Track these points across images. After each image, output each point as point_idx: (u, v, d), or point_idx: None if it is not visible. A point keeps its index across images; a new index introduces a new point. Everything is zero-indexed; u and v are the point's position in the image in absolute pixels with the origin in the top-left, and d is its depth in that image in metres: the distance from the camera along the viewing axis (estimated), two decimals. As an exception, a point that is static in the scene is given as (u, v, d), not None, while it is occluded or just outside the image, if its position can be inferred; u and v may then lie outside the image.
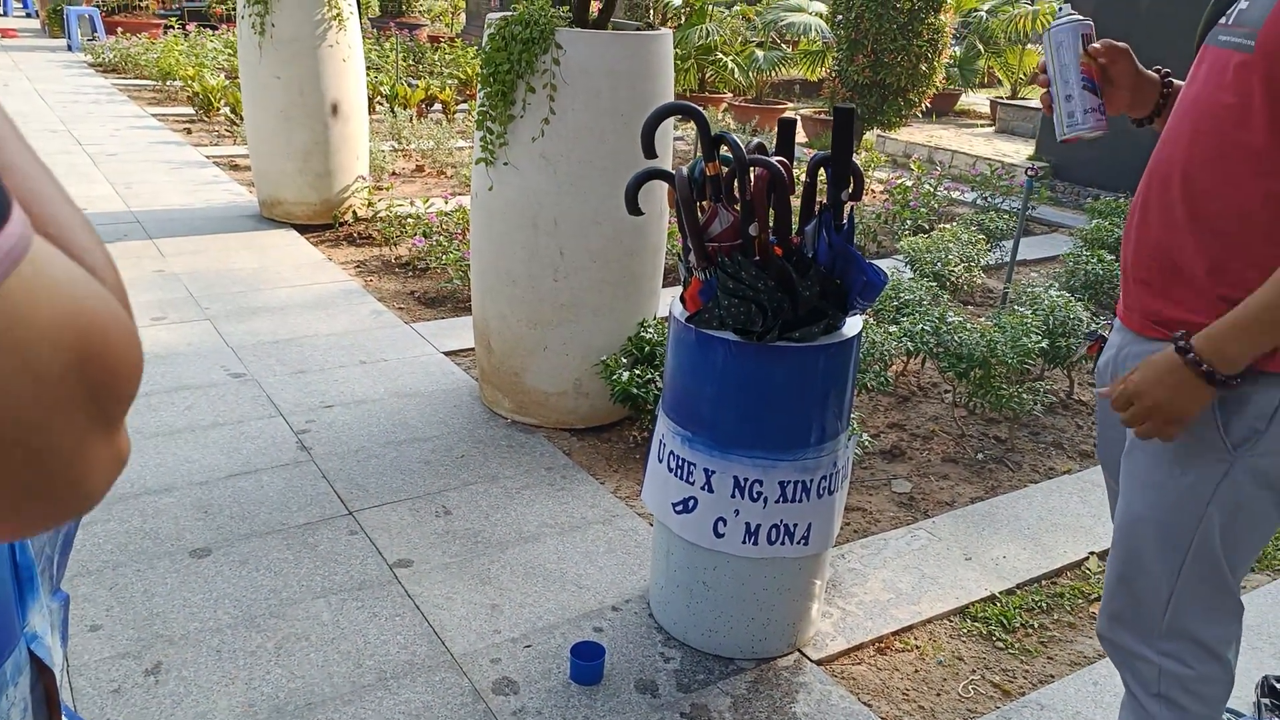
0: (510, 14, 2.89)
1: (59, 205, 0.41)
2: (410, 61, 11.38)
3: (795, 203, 2.11)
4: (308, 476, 2.80)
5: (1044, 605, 2.44)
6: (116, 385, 0.38)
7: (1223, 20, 1.33)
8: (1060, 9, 1.49)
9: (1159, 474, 1.38)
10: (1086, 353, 1.68)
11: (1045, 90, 1.49)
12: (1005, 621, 2.36)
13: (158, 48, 10.81)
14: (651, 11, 11.33)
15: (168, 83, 9.94)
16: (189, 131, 8.10)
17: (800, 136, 9.49)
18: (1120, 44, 1.49)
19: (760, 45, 10.80)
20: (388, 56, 10.98)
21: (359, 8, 6.66)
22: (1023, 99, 11.11)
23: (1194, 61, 1.38)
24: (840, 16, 8.80)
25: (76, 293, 0.36)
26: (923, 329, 3.29)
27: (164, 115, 8.73)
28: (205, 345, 3.70)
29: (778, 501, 2.04)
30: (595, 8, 3.15)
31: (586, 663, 2.04)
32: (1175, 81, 1.53)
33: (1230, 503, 1.34)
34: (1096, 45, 1.47)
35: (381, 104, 8.27)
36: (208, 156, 7.08)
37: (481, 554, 2.47)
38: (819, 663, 2.17)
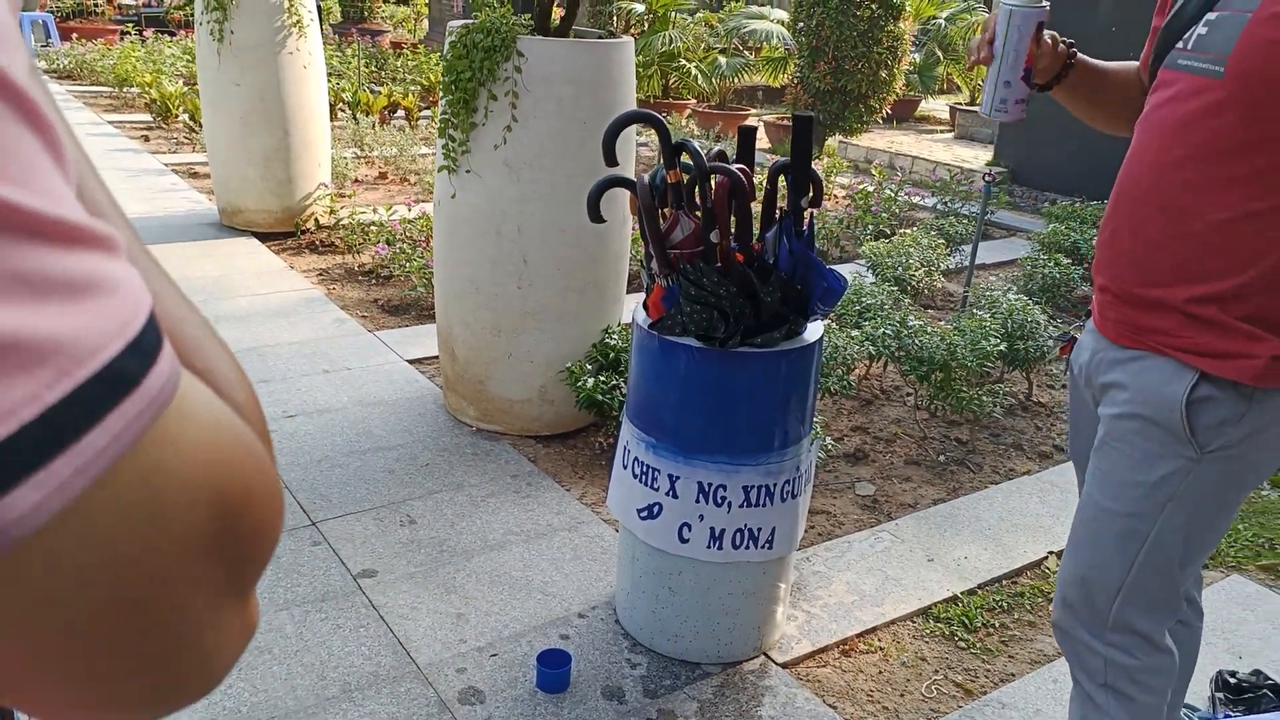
0: (472, 22, 2.89)
1: (203, 331, 0.36)
2: (373, 68, 11.30)
3: (756, 209, 2.13)
4: (269, 488, 2.76)
5: (1005, 605, 2.48)
6: (255, 546, 0.34)
7: (1180, 45, 1.36)
8: None
9: (1128, 470, 1.43)
10: (1059, 354, 1.72)
11: (984, 52, 1.51)
12: (967, 621, 2.39)
13: (114, 54, 10.64)
14: (615, 18, 11.37)
15: (125, 89, 9.78)
16: (147, 139, 7.98)
17: (763, 142, 9.56)
18: (1056, 36, 1.53)
19: (723, 52, 10.87)
20: (350, 63, 10.90)
21: (320, 14, 6.61)
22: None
23: (1152, 86, 1.43)
24: (801, 24, 8.90)
25: (222, 439, 0.32)
26: (884, 333, 3.34)
27: (121, 122, 8.58)
28: (164, 356, 3.63)
29: (742, 506, 2.05)
30: (558, 14, 3.16)
31: (553, 670, 2.04)
32: (1081, 57, 1.57)
33: (1191, 501, 1.39)
34: (1048, 39, 1.50)
35: (344, 110, 8.20)
36: (166, 164, 6.98)
37: (446, 563, 2.46)
38: (784, 666, 2.19)
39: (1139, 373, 1.42)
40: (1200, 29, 1.33)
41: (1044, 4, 1.49)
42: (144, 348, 0.28)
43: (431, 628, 2.21)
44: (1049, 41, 1.51)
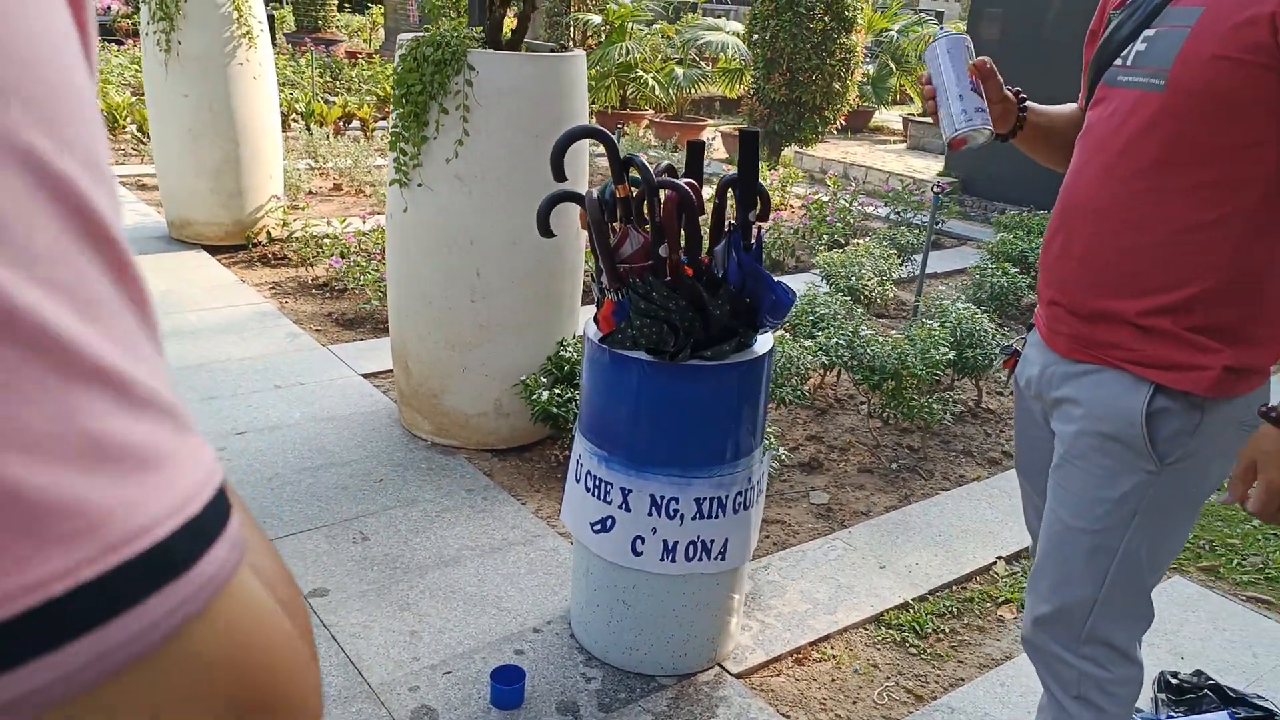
0: (422, 35, 2.88)
1: (250, 523, 0.34)
2: (327, 78, 11.19)
3: (706, 222, 2.15)
4: (218, 506, 2.72)
5: (954, 610, 2.52)
6: None
7: (1119, 62, 1.39)
8: (939, 30, 1.57)
9: (1092, 488, 1.44)
10: (1002, 366, 1.74)
11: (931, 99, 1.54)
12: (918, 627, 2.42)
13: (59, 63, 10.39)
14: (572, 29, 11.39)
15: (70, 99, 9.56)
16: (93, 150, 7.81)
17: (720, 153, 9.64)
18: (990, 61, 1.56)
19: (680, 63, 10.94)
20: (304, 73, 10.78)
21: (273, 23, 6.52)
22: (934, 116, 11.48)
23: (1091, 101, 1.45)
24: (756, 36, 8.99)
25: (271, 640, 0.30)
26: (837, 343, 3.38)
27: (66, 133, 8.38)
28: (109, 373, 3.56)
29: (694, 518, 2.06)
30: (510, 26, 3.16)
31: (506, 687, 2.03)
32: (1030, 104, 1.61)
33: (1154, 512, 1.41)
34: (981, 59, 1.54)
35: (297, 121, 8.12)
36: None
37: (400, 580, 2.44)
38: (739, 676, 2.20)
39: (1094, 387, 1.43)
40: (1139, 45, 1.35)
41: (960, 34, 1.56)
42: (203, 529, 0.26)
43: (384, 646, 2.19)
44: (985, 61, 1.54)
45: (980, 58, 1.54)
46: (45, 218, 0.24)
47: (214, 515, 0.27)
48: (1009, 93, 1.58)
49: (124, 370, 0.25)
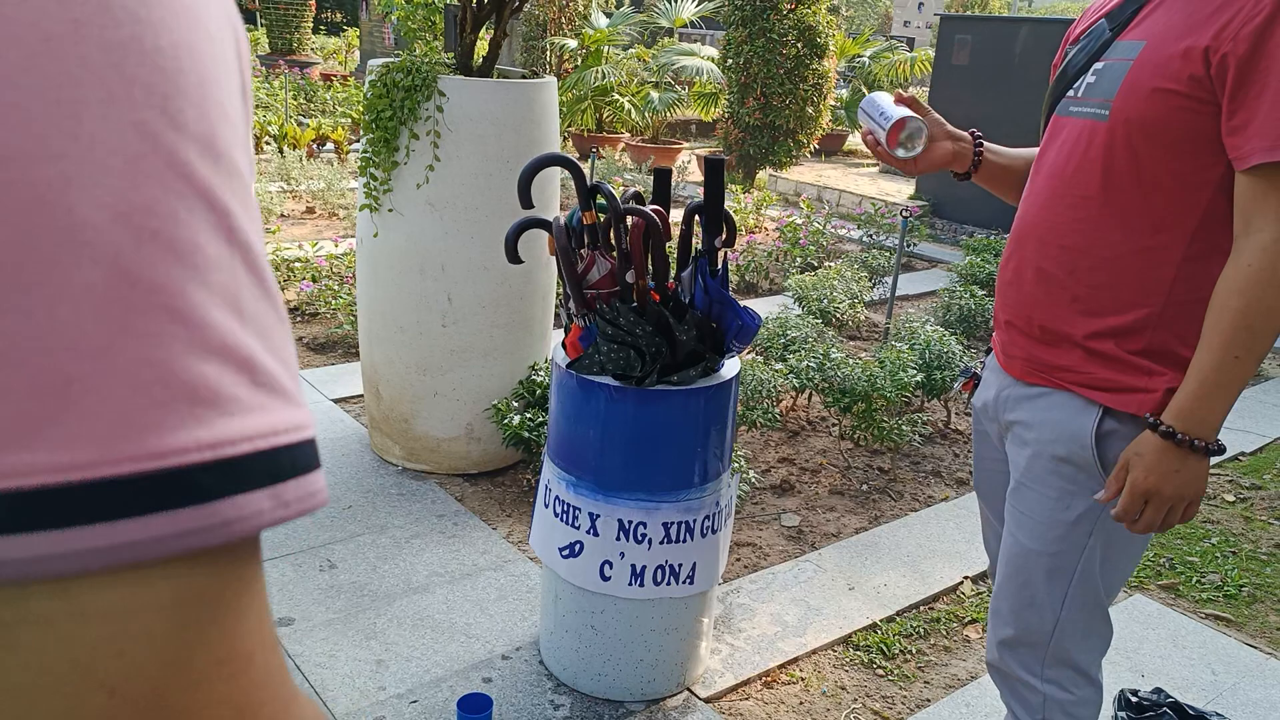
0: (392, 60, 2.90)
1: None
2: (301, 100, 11.19)
3: (673, 247, 2.18)
4: (185, 534, 2.69)
5: (921, 630, 2.54)
6: None
7: (1071, 93, 1.44)
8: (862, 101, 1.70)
9: (1047, 510, 1.46)
10: (961, 389, 1.78)
11: (875, 145, 1.61)
12: (885, 648, 2.44)
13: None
14: (548, 53, 11.47)
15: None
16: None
17: (695, 175, 9.72)
18: (970, 132, 1.64)
19: (656, 86, 11.05)
20: (277, 95, 10.78)
21: (245, 48, 6.48)
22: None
23: (1045, 131, 1.50)
24: (730, 61, 9.10)
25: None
26: (808, 365, 3.41)
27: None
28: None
29: (662, 542, 2.07)
30: (484, 50, 3.19)
31: (473, 715, 2.01)
32: (986, 143, 1.67)
33: (1108, 532, 1.44)
34: (898, 91, 1.63)
35: (270, 144, 8.10)
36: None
37: (367, 608, 2.42)
38: (708, 700, 2.20)
39: (1045, 409, 1.46)
40: (1089, 78, 1.40)
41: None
42: (257, 471, 0.28)
43: (350, 675, 2.17)
44: (904, 92, 1.61)
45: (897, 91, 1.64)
46: (209, 230, 0.27)
47: (275, 466, 0.28)
48: (960, 132, 1.64)
49: (256, 352, 0.28)
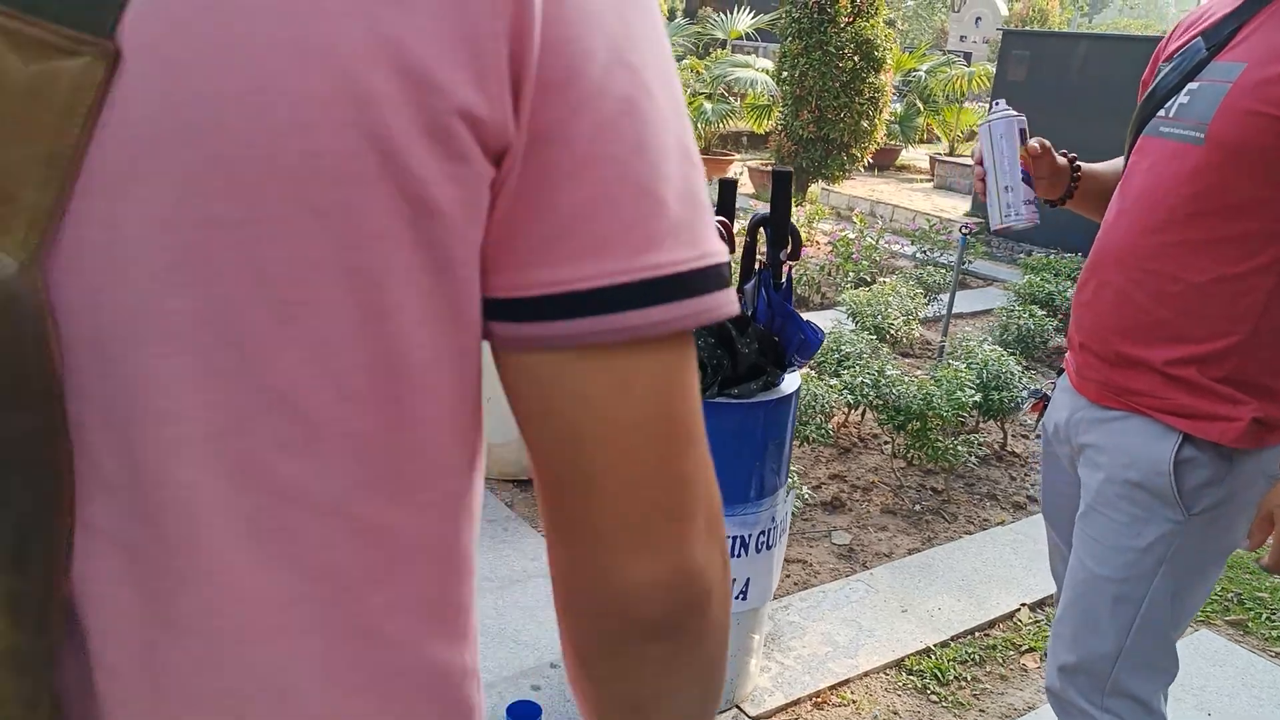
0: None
1: None
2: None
3: (735, 260, 2.16)
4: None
5: (977, 657, 2.48)
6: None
7: (1161, 113, 1.39)
8: (995, 103, 1.56)
9: (1117, 536, 1.43)
10: (1030, 410, 1.73)
11: (980, 179, 1.55)
12: (939, 674, 2.39)
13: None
14: (602, 62, 11.52)
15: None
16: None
17: (746, 188, 9.69)
18: (1045, 142, 1.57)
19: (709, 98, 11.05)
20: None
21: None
22: (960, 156, 11.52)
23: (1132, 150, 1.46)
24: (785, 73, 9.07)
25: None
26: (863, 382, 3.37)
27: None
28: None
29: (717, 556, 2.05)
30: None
31: (523, 721, 2.01)
32: (1083, 165, 1.62)
33: (1180, 563, 1.40)
34: (1033, 143, 1.54)
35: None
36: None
37: (419, 608, 2.44)
38: (756, 719, 2.17)
39: (1121, 434, 1.43)
40: (1182, 98, 1.36)
41: (1014, 112, 1.54)
42: (717, 278, 0.43)
43: (402, 675, 2.18)
44: (1036, 146, 1.54)
45: (1033, 142, 1.54)
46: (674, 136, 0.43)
47: (721, 278, 0.43)
48: (1063, 161, 1.59)
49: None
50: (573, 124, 0.38)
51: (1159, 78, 1.44)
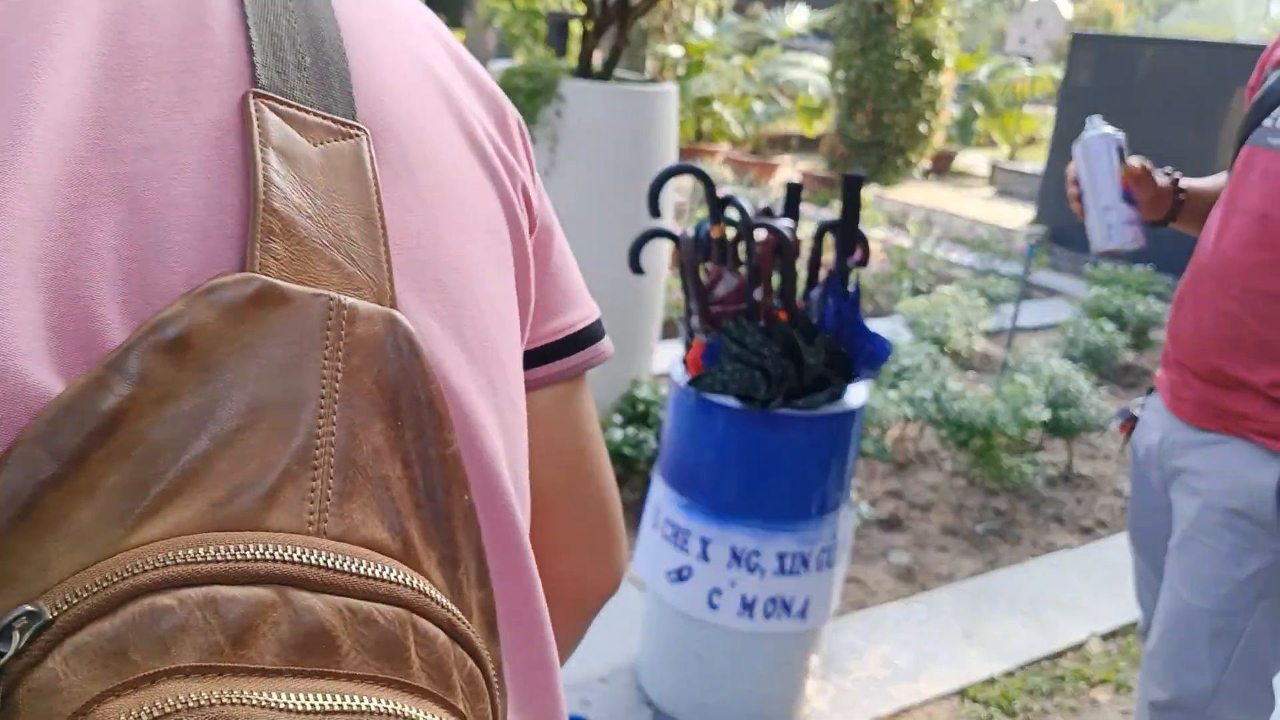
0: (514, 65, 2.88)
1: None
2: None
3: (801, 266, 2.07)
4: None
5: (1044, 689, 2.36)
6: None
7: (1268, 122, 1.32)
8: (1090, 119, 1.49)
9: (1216, 567, 1.37)
10: (1119, 431, 1.64)
11: (1077, 200, 1.48)
12: (1005, 705, 2.27)
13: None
14: (649, 60, 11.47)
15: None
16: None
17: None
18: (1146, 163, 1.48)
19: (758, 98, 10.92)
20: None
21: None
22: (1020, 162, 11.25)
23: (1237, 161, 1.38)
24: (840, 74, 8.92)
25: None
26: (923, 395, 3.25)
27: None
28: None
29: (775, 573, 1.96)
30: (597, 57, 3.15)
31: (571, 740, 1.94)
32: (1187, 185, 1.52)
33: None
34: (1133, 162, 1.45)
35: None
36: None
37: (465, 616, 2.38)
38: (813, 745, 2.08)
39: (1220, 458, 1.37)
40: None
41: (1111, 130, 1.46)
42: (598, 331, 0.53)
43: (446, 685, 2.12)
44: (1137, 166, 1.45)
45: (1132, 161, 1.45)
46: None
47: (602, 329, 0.54)
48: (1165, 181, 1.50)
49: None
50: (553, 220, 0.51)
51: (1266, 85, 1.36)
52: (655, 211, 1.99)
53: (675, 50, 11.18)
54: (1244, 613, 1.36)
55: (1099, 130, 1.47)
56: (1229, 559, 1.35)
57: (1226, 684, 1.37)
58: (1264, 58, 1.44)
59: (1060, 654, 2.51)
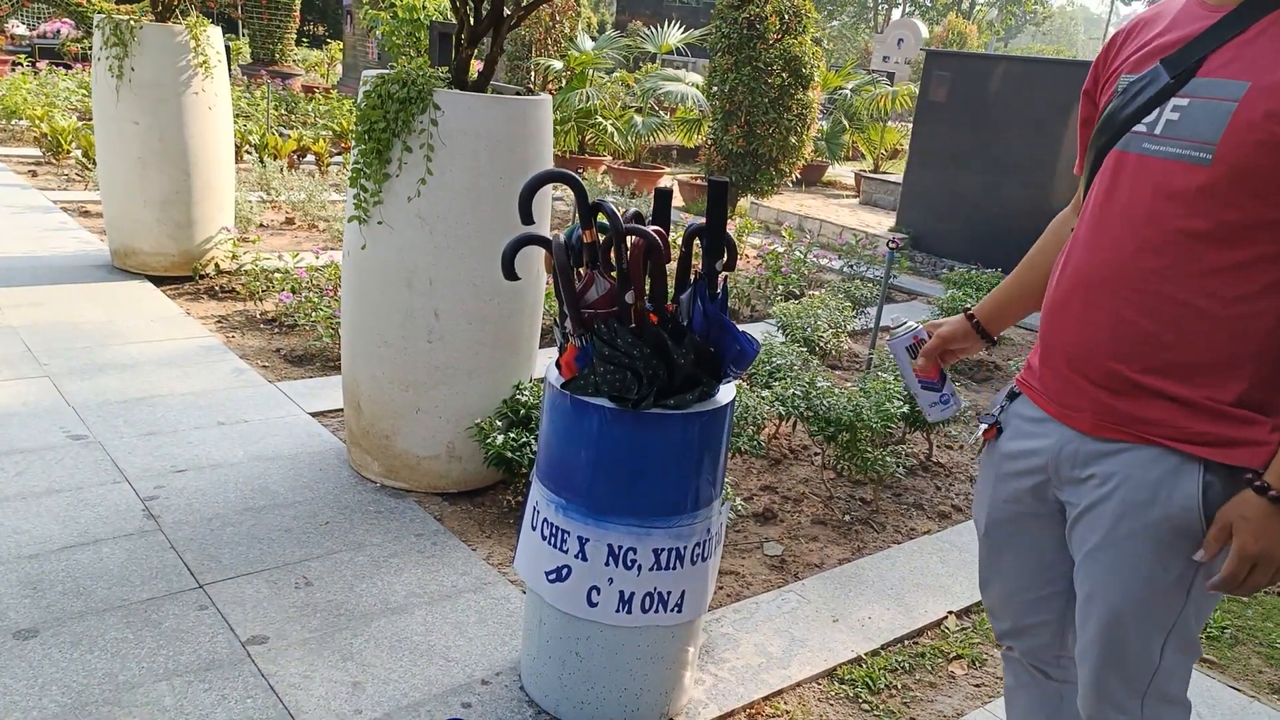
0: (387, 72, 2.86)
1: None
2: (282, 111, 11.10)
3: (671, 270, 2.15)
4: (154, 547, 2.61)
5: (906, 665, 2.51)
6: None
7: (1141, 129, 1.33)
8: (900, 323, 1.79)
9: (1143, 571, 1.37)
10: (983, 437, 1.67)
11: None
12: (870, 683, 2.40)
13: (2, 85, 10.17)
14: (533, 74, 11.49)
15: (13, 122, 9.35)
16: (35, 174, 7.62)
17: (677, 200, 9.74)
18: (935, 338, 1.72)
19: (639, 111, 11.09)
20: (258, 105, 10.68)
21: (229, 54, 6.43)
22: (884, 173, 11.79)
23: (1099, 166, 1.38)
24: (715, 88, 9.16)
25: None
26: (794, 393, 3.39)
27: (6, 156, 8.18)
28: (42, 405, 3.42)
29: (652, 569, 2.03)
30: (476, 67, 3.16)
31: (454, 743, 1.95)
32: (975, 313, 1.73)
33: (1202, 580, 1.36)
34: (920, 360, 1.71)
35: (250, 153, 8.01)
36: (55, 201, 6.66)
37: (344, 627, 2.35)
38: (692, 732, 2.15)
39: (1134, 466, 1.35)
40: (1169, 114, 1.29)
41: (908, 328, 1.76)
42: None
43: (324, 698, 2.10)
44: (921, 362, 1.71)
45: (925, 346, 1.71)
46: None
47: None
48: (956, 327, 1.72)
49: None
50: None
51: (1124, 91, 1.38)
52: (527, 218, 2.03)
53: (557, 64, 11.23)
54: (1174, 608, 1.37)
55: (894, 335, 1.76)
56: (1155, 564, 1.35)
57: (1164, 665, 1.41)
58: (1098, 61, 1.48)
59: (920, 632, 2.67)
